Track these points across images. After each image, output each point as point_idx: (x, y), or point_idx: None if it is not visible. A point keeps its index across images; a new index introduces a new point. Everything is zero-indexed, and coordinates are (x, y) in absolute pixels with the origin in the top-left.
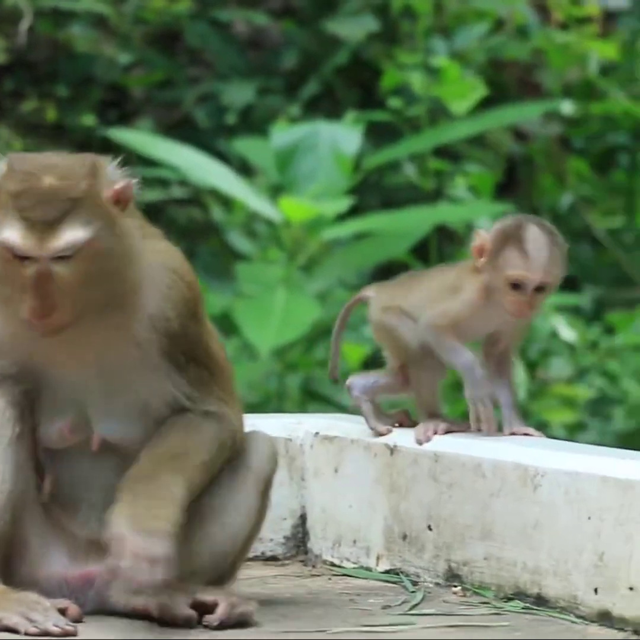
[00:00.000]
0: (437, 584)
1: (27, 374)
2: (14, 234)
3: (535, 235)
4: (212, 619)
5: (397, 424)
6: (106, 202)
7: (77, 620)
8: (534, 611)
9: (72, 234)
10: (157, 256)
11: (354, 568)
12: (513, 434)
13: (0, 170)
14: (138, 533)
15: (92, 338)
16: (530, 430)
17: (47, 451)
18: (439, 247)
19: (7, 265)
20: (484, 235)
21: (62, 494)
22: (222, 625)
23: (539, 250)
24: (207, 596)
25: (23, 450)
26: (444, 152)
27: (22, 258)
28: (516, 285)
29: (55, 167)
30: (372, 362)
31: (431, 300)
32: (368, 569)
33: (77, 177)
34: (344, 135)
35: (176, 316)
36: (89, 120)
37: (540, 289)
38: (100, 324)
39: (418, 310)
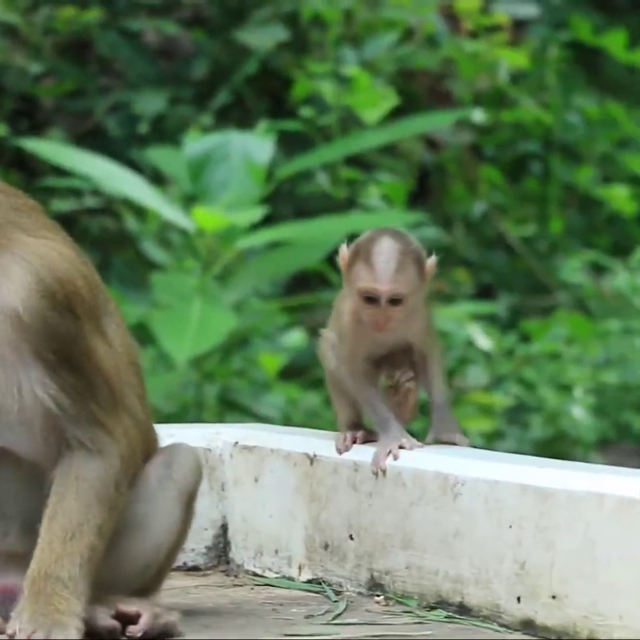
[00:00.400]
0: (359, 593)
1: None
2: None
3: (385, 247)
4: (136, 629)
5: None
6: None
7: (2, 631)
8: (457, 620)
9: None
10: (28, 247)
11: (276, 578)
12: (438, 441)
13: None
14: (43, 628)
15: None
16: (457, 437)
17: None
18: None
19: None
20: (343, 252)
21: None
22: (146, 636)
23: (387, 261)
24: (130, 607)
25: None
26: (356, 161)
27: None
28: (369, 299)
29: None
30: (290, 370)
31: (332, 331)
32: (290, 579)
33: None
34: (256, 145)
35: (39, 310)
36: (0, 130)
37: (395, 300)
38: None
39: (332, 340)
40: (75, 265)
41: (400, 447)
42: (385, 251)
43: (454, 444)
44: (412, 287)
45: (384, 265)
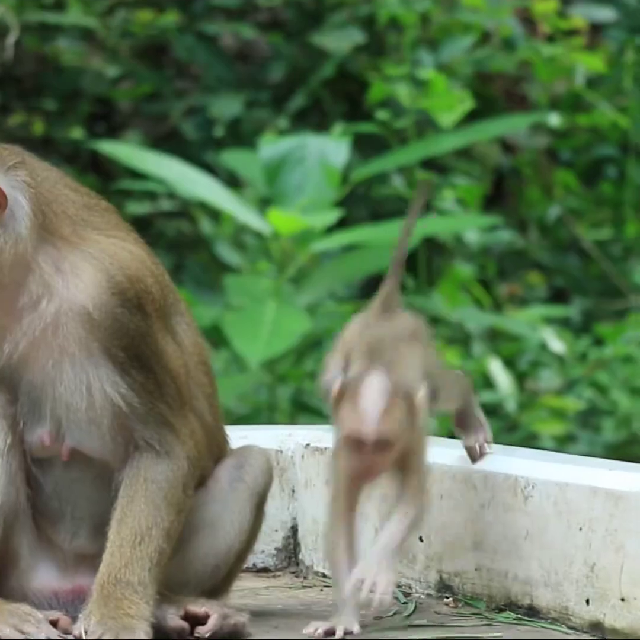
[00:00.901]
0: (428, 594)
1: (5, 382)
2: None
3: (371, 391)
4: (204, 630)
5: None
6: None
7: (69, 632)
8: (526, 622)
9: None
10: (100, 245)
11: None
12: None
13: None
14: (111, 631)
15: (25, 338)
16: (383, 579)
17: (33, 462)
18: (428, 259)
19: None
20: (334, 387)
21: (47, 506)
22: (214, 637)
23: (373, 405)
24: (199, 607)
25: (14, 461)
26: (431, 164)
27: None
28: (355, 443)
29: None
30: None
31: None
32: None
33: None
34: (331, 148)
35: (109, 307)
36: (77, 133)
37: (381, 445)
38: (28, 324)
39: None
40: (146, 264)
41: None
42: (372, 394)
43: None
44: (401, 430)
45: (371, 409)
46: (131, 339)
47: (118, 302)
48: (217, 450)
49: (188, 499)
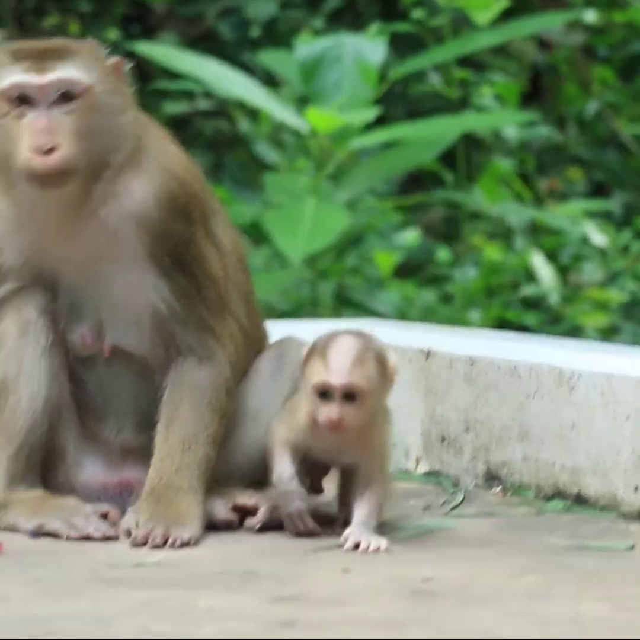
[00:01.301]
0: (476, 485)
1: (46, 281)
2: (13, 76)
3: (342, 343)
4: (254, 522)
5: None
6: (107, 65)
7: (118, 525)
8: (575, 510)
9: (72, 73)
10: (152, 151)
11: (393, 471)
12: (357, 545)
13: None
14: (161, 525)
15: (77, 230)
16: (374, 540)
17: (75, 360)
18: (467, 155)
19: (3, 120)
20: (304, 349)
21: (91, 403)
22: (264, 528)
23: (342, 354)
24: (248, 499)
25: (56, 358)
26: (468, 62)
27: (22, 103)
28: (323, 395)
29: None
30: (405, 268)
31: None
32: (407, 472)
33: (77, 41)
34: (368, 47)
35: (159, 212)
36: (112, 34)
37: (350, 396)
38: (84, 213)
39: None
40: (192, 168)
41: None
42: (344, 346)
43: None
44: (370, 383)
45: (340, 358)
46: (176, 244)
47: (169, 208)
48: (257, 347)
49: (231, 403)
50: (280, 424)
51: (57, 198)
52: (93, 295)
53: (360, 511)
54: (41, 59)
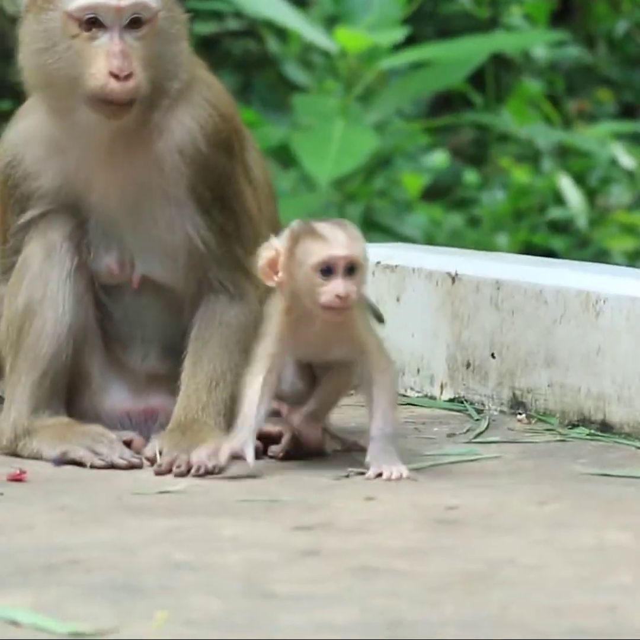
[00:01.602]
0: (501, 411)
1: (75, 207)
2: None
3: (327, 222)
4: (277, 449)
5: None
6: None
7: (142, 452)
8: (599, 437)
9: None
10: (198, 83)
11: (418, 397)
12: (379, 474)
13: None
14: (185, 452)
15: (126, 158)
16: (396, 470)
17: (100, 288)
18: (496, 75)
19: (71, 41)
20: (274, 245)
21: (116, 330)
22: (288, 456)
23: (336, 230)
24: (272, 427)
25: (82, 282)
26: None
27: (92, 25)
28: (326, 271)
29: None
30: (433, 191)
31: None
32: (432, 398)
33: None
34: None
35: (206, 146)
36: None
37: (350, 270)
38: (135, 142)
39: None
40: (232, 101)
41: (235, 456)
42: (331, 223)
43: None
44: (365, 255)
45: (334, 233)
46: (218, 180)
47: (214, 142)
48: None
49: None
50: (254, 360)
51: (116, 125)
52: (126, 226)
53: (377, 420)
54: None
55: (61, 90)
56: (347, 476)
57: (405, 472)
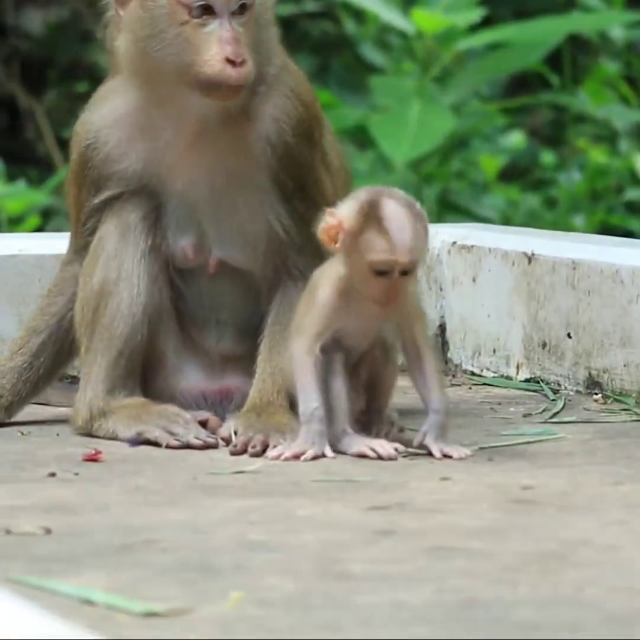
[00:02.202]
0: (577, 391)
1: (153, 190)
2: None
3: (398, 214)
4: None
5: None
6: None
7: (214, 432)
8: None
9: None
10: (284, 70)
11: (493, 377)
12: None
13: None
14: (261, 433)
15: (213, 144)
16: (455, 450)
17: (175, 271)
18: (573, 57)
19: (181, 28)
20: (338, 216)
21: (191, 312)
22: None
23: (404, 229)
24: None
25: (156, 263)
26: None
27: (205, 11)
28: (380, 272)
29: None
30: (510, 172)
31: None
32: (508, 378)
33: None
34: None
35: (291, 135)
36: None
37: (405, 272)
38: (225, 128)
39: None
40: (311, 88)
41: (315, 457)
42: (401, 217)
43: (450, 457)
44: (423, 256)
45: (402, 233)
46: (300, 169)
47: (299, 130)
48: None
49: None
50: (299, 333)
51: (216, 110)
52: (207, 210)
53: (435, 393)
54: None
55: (166, 76)
56: (405, 456)
57: (467, 452)
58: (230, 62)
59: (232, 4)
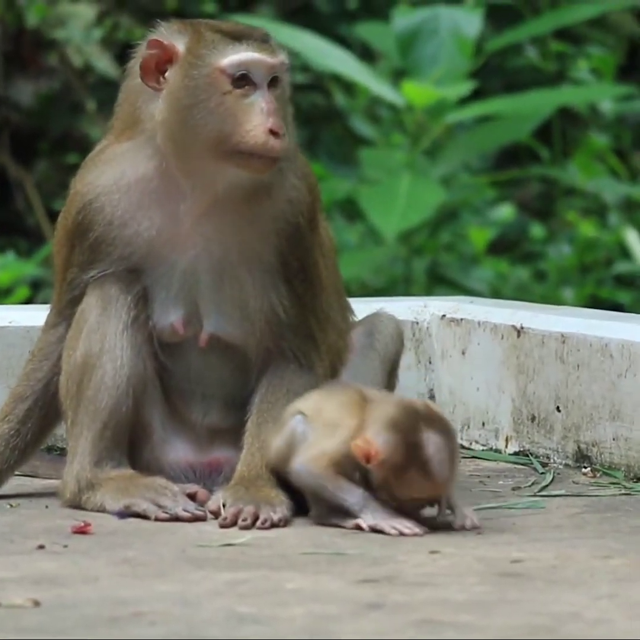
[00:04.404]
0: (566, 465)
1: (146, 263)
2: (242, 54)
3: (438, 453)
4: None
5: None
6: (285, 53)
7: (203, 503)
8: None
9: (285, 57)
10: (294, 149)
11: (483, 450)
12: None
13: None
14: (251, 505)
15: (228, 218)
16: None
17: (159, 344)
18: (562, 129)
19: (223, 97)
20: (374, 444)
21: (177, 385)
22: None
23: (443, 466)
24: None
25: (140, 334)
26: (565, 34)
27: (244, 82)
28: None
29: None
30: (499, 245)
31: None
32: (497, 451)
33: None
34: (464, 19)
35: (299, 217)
36: (209, 7)
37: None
38: (238, 202)
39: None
40: (313, 172)
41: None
42: (444, 456)
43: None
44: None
45: (443, 471)
46: (304, 250)
47: (305, 213)
48: (345, 339)
49: None
50: (317, 455)
51: (247, 183)
52: (207, 284)
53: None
54: (263, 40)
55: (203, 145)
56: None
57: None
58: (274, 133)
59: (270, 76)
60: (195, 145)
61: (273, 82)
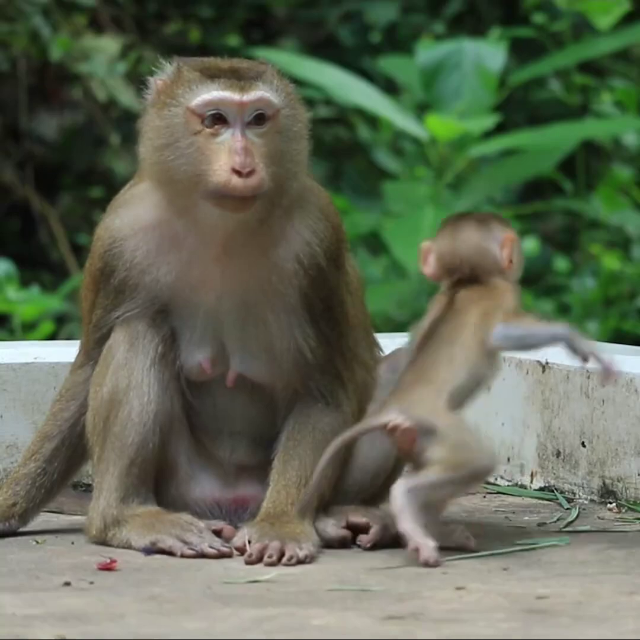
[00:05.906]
0: (591, 500)
1: (171, 305)
2: (211, 93)
3: None
4: (365, 540)
5: None
6: (290, 89)
7: (229, 540)
8: None
9: (268, 94)
10: (307, 191)
11: (508, 486)
12: None
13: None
14: (276, 540)
15: (243, 258)
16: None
17: (186, 382)
18: (586, 162)
19: (194, 137)
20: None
21: (204, 422)
22: (375, 546)
23: None
24: (360, 518)
25: (167, 371)
26: (589, 67)
27: (215, 121)
28: None
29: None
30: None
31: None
32: (522, 487)
33: (258, 62)
34: (488, 52)
35: (322, 258)
36: (233, 40)
37: None
38: (252, 243)
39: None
40: (337, 212)
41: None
42: None
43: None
44: None
45: None
46: (329, 290)
47: (328, 255)
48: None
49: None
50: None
51: (237, 218)
52: (232, 325)
53: None
54: (237, 78)
55: (182, 186)
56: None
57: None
58: (237, 172)
59: (247, 114)
60: (174, 186)
61: (258, 120)
